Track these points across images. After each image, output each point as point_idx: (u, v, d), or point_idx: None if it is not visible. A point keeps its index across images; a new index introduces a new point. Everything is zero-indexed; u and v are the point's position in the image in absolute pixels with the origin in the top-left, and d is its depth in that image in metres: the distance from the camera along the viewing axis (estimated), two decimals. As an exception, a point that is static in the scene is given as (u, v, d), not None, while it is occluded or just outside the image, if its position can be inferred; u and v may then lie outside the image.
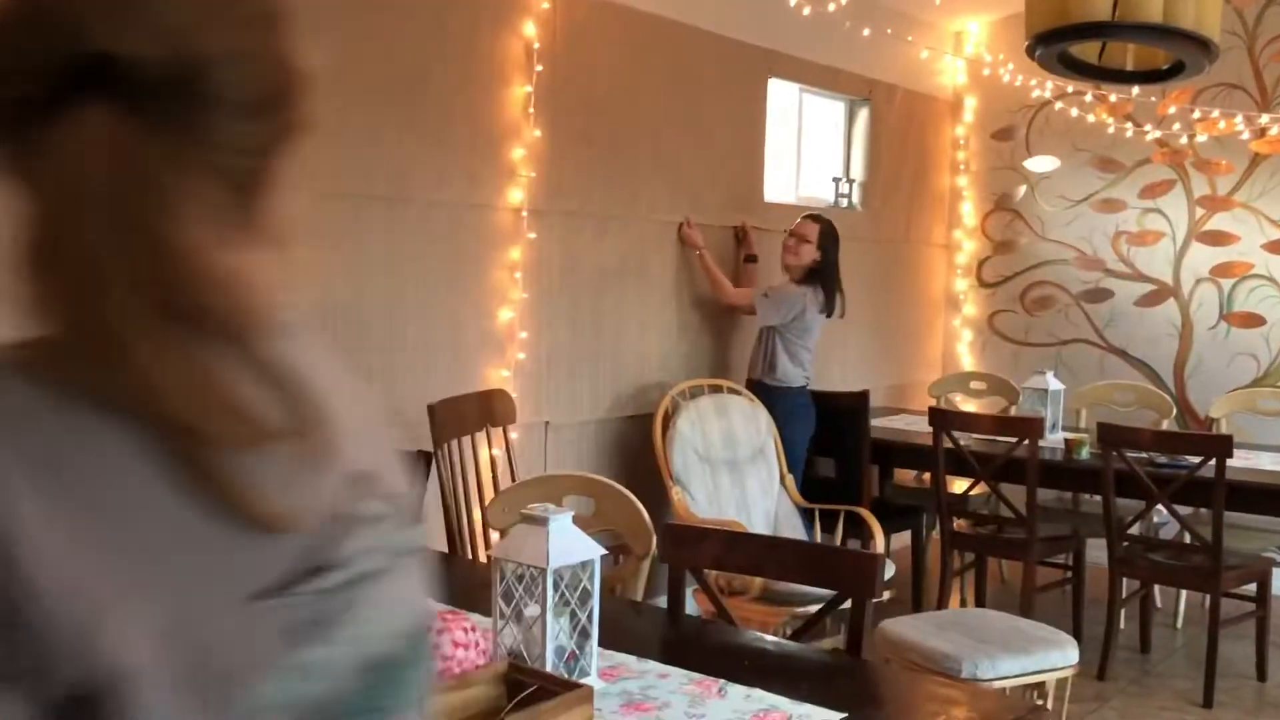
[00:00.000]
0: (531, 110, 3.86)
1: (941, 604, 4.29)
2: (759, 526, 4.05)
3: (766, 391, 4.40)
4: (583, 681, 1.66)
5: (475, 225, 3.78)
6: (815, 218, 4.54)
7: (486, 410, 3.63)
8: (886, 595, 3.74)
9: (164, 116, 0.62)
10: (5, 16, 0.62)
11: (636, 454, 4.26)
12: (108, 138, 0.61)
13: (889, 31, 5.17)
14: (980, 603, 4.39)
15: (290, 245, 0.68)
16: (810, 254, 4.45)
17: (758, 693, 1.69)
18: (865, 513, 4.03)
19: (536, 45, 3.87)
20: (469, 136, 3.72)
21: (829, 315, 4.52)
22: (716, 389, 4.33)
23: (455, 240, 3.72)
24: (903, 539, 4.90)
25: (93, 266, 0.60)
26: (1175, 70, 3.42)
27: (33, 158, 0.62)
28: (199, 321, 0.63)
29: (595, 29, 4.08)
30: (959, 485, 4.42)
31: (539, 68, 3.86)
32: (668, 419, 4.08)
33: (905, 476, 5.20)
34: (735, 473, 4.15)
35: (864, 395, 4.52)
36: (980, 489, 4.30)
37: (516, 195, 3.88)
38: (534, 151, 3.89)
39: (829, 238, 4.49)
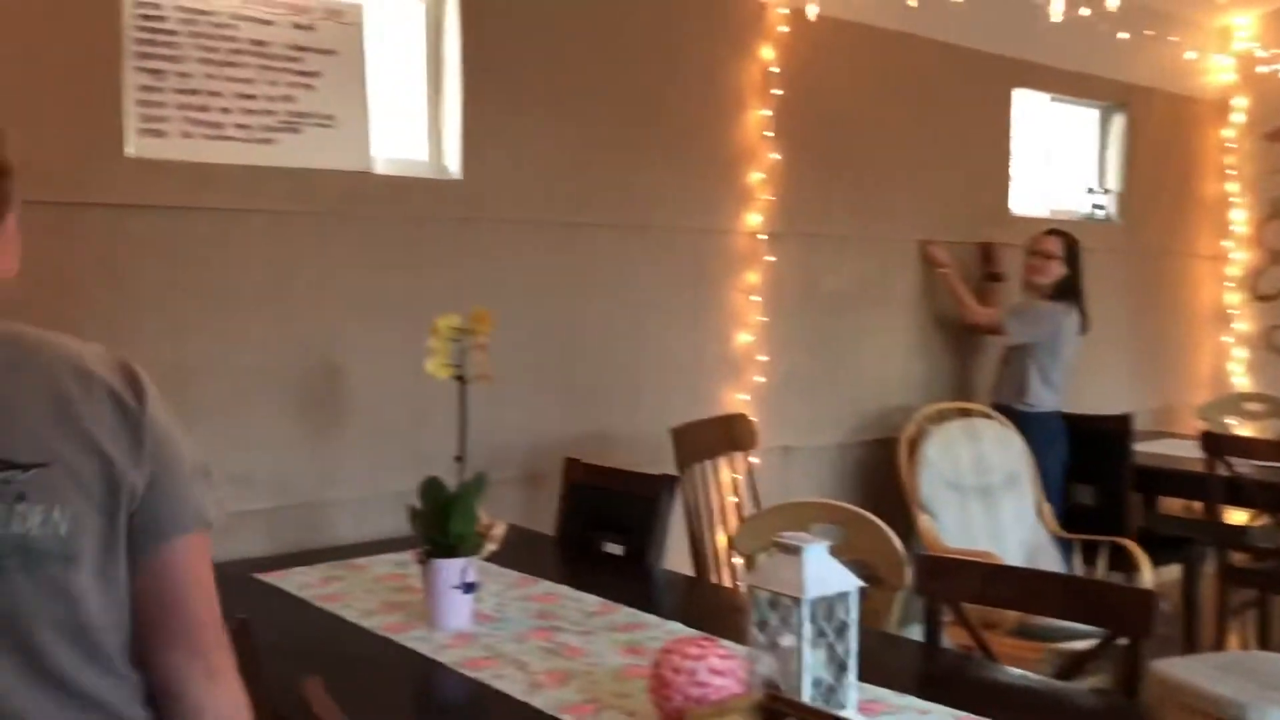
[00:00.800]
0: (769, 134, 3.86)
1: (1218, 645, 3.96)
2: (1013, 556, 3.86)
3: (1015, 416, 4.20)
4: (841, 715, 1.62)
5: (714, 249, 3.81)
6: (1056, 232, 4.33)
7: (727, 434, 3.63)
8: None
9: None
10: None
11: (877, 479, 4.15)
12: None
13: (1147, 32, 4.86)
14: (1264, 645, 4.02)
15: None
16: (1058, 270, 4.25)
17: (1029, 736, 1.60)
18: (1130, 544, 3.78)
19: (774, 69, 3.86)
20: (708, 162, 3.75)
21: (1085, 332, 4.29)
22: (965, 413, 4.17)
23: (694, 265, 3.76)
24: (1169, 572, 4.55)
25: None
26: None
27: None
28: None
29: (832, 49, 4.03)
30: (1235, 515, 4.07)
31: (777, 91, 3.86)
32: (913, 444, 3.97)
33: (1171, 505, 4.84)
34: (987, 500, 3.97)
35: (1127, 419, 4.25)
36: (1261, 520, 3.95)
37: (755, 219, 3.88)
38: (772, 175, 3.89)
39: (1076, 251, 4.27)
